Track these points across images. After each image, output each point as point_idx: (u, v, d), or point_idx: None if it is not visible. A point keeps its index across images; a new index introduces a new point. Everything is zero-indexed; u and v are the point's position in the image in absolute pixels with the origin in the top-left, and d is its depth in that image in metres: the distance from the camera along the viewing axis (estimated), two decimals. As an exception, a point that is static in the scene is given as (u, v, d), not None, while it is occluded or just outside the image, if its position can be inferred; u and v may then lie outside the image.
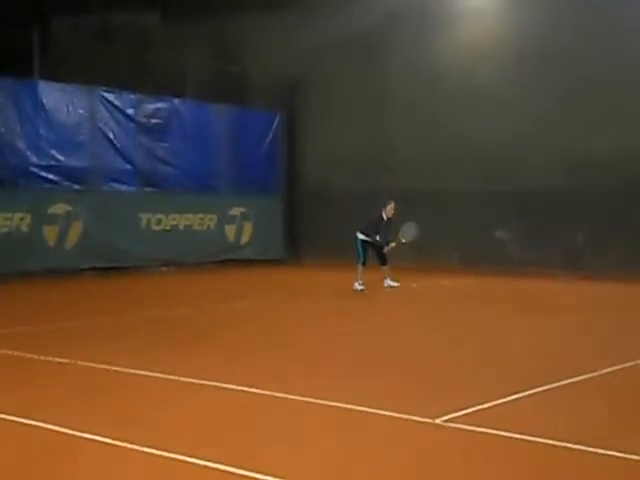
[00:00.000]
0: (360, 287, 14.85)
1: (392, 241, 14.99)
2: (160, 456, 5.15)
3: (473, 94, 19.40)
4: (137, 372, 7.73)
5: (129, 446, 5.34)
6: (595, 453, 5.26)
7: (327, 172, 21.92)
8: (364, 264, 14.96)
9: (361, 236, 15.03)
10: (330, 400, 6.57)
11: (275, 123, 21.98)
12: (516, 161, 18.89)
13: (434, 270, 18.80)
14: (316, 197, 21.99)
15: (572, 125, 18.24)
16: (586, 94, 18.09)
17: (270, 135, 21.91)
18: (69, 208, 17.70)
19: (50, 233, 17.45)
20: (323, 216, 21.49)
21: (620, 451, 5.23)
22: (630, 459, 5.13)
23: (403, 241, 15.10)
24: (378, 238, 14.81)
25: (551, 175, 18.41)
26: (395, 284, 15.38)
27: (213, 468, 4.91)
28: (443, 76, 19.82)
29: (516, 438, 5.60)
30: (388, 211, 14.92)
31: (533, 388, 7.02)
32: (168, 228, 19.65)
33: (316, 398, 6.65)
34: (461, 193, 19.56)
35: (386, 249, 14.97)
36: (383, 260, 15.27)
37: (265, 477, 4.73)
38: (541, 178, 18.51)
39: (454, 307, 13.40)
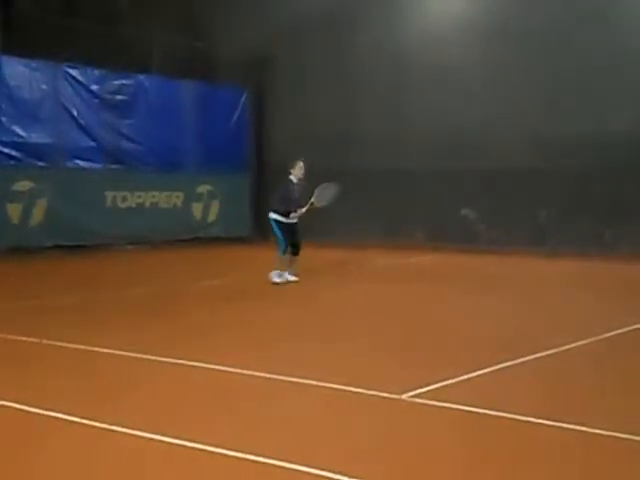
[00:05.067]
0: (278, 279, 12.61)
1: (302, 206, 12.81)
2: (131, 435, 5.13)
3: (442, 73, 19.38)
4: (103, 350, 7.67)
5: (98, 425, 5.30)
6: (560, 428, 5.32)
7: (295, 150, 21.71)
8: (285, 251, 12.72)
9: (274, 216, 12.80)
10: (296, 377, 6.57)
11: (243, 100, 21.83)
12: (483, 140, 18.93)
13: (400, 248, 18.85)
14: (284, 175, 21.85)
15: (539, 105, 18.32)
16: (553, 75, 18.16)
17: (238, 112, 21.76)
18: (33, 185, 17.47)
19: (14, 211, 17.22)
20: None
21: (586, 425, 5.29)
22: (596, 434, 5.20)
23: (317, 205, 12.98)
24: (294, 213, 12.67)
25: (517, 154, 18.47)
26: (294, 278, 12.88)
27: (182, 446, 4.90)
28: (412, 55, 19.77)
29: (482, 413, 5.64)
30: (297, 171, 12.96)
31: (498, 364, 7.08)
32: (134, 206, 19.48)
33: (280, 375, 6.65)
34: (428, 171, 19.57)
35: (294, 214, 12.70)
36: (296, 249, 12.89)
37: (229, 452, 4.74)
38: (507, 156, 18.57)
39: (420, 284, 13.45)
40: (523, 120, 18.48)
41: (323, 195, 13.20)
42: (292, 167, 13.07)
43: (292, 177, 13.02)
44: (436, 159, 19.51)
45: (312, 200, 12.99)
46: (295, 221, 12.85)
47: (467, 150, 19.13)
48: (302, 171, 13.02)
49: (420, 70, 19.67)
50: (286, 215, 12.75)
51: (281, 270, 12.74)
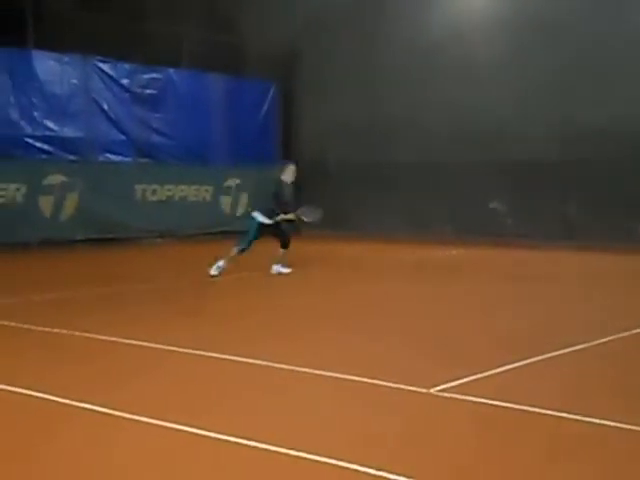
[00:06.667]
0: (215, 272, 12.42)
1: (289, 212, 12.89)
2: (150, 424, 5.17)
3: (470, 64, 19.31)
4: (126, 341, 7.74)
5: (119, 414, 5.36)
6: (591, 423, 5.28)
7: (323, 143, 21.85)
8: (243, 251, 12.61)
9: (261, 219, 12.68)
10: (322, 370, 6.59)
11: (271, 93, 21.88)
12: (511, 133, 18.83)
13: (428, 241, 18.80)
14: (312, 168, 21.88)
15: (567, 95, 18.18)
16: (581, 64, 18.01)
17: (266, 105, 21.82)
18: (64, 179, 17.65)
19: (46, 204, 17.42)
20: (320, 187, 21.42)
21: (616, 421, 5.25)
22: (627, 429, 5.16)
23: (304, 219, 13.22)
24: (283, 216, 12.71)
25: (546, 146, 18.38)
26: (287, 270, 13.13)
27: (204, 436, 4.93)
28: (440, 46, 19.70)
29: (509, 407, 5.62)
30: (287, 174, 12.93)
31: (529, 358, 7.03)
32: (163, 199, 19.62)
33: (309, 367, 6.66)
34: (456, 164, 19.53)
35: (280, 217, 12.72)
36: (285, 243, 13.04)
37: (257, 444, 4.75)
38: (536, 149, 18.48)
39: (449, 278, 13.40)
40: (552, 112, 18.35)
41: (310, 213, 13.34)
42: (283, 170, 13.02)
43: (284, 179, 12.97)
44: (464, 152, 19.44)
45: (298, 213, 13.08)
46: (274, 222, 12.75)
47: (495, 143, 19.04)
48: (291, 174, 13.01)
49: (448, 63, 19.59)
50: (269, 217, 12.71)
51: (226, 263, 12.52)
